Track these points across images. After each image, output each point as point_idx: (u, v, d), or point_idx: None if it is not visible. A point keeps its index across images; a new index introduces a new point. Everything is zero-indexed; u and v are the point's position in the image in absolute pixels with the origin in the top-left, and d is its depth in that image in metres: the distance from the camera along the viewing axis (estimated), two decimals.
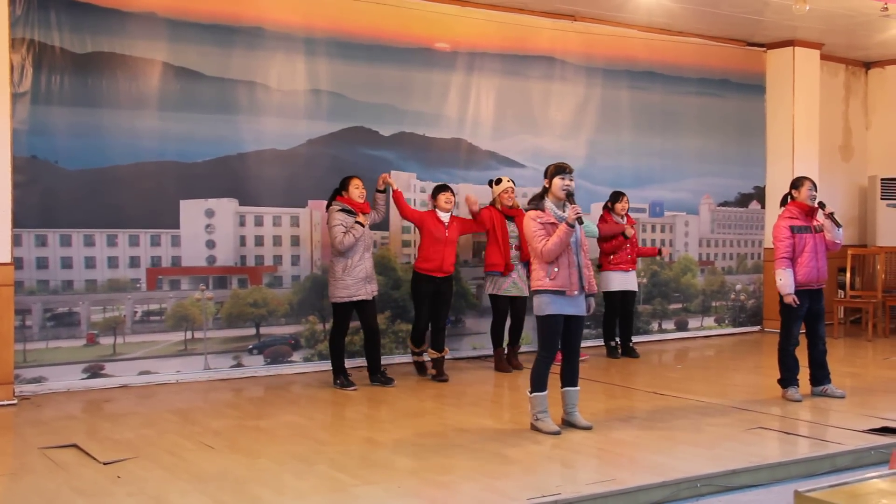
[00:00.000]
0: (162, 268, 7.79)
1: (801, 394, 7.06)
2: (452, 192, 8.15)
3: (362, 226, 7.46)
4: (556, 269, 5.85)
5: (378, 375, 7.71)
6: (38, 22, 7.24)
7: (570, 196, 5.96)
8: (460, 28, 9.18)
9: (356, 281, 7.47)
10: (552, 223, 5.86)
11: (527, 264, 8.35)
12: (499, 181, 8.45)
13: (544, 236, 5.83)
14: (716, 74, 11.01)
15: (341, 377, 7.58)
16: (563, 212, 5.92)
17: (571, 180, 5.98)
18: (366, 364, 7.85)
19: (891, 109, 12.35)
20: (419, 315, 8.08)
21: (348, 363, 7.88)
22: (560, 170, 5.96)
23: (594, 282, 6.14)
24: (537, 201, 5.99)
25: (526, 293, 8.40)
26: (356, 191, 7.55)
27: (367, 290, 7.54)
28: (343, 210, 7.47)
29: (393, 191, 7.87)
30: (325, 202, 8.31)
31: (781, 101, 11.28)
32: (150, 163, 7.72)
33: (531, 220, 5.90)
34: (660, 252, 9.50)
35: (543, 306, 5.90)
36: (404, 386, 7.70)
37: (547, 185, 5.99)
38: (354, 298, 7.49)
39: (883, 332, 10.90)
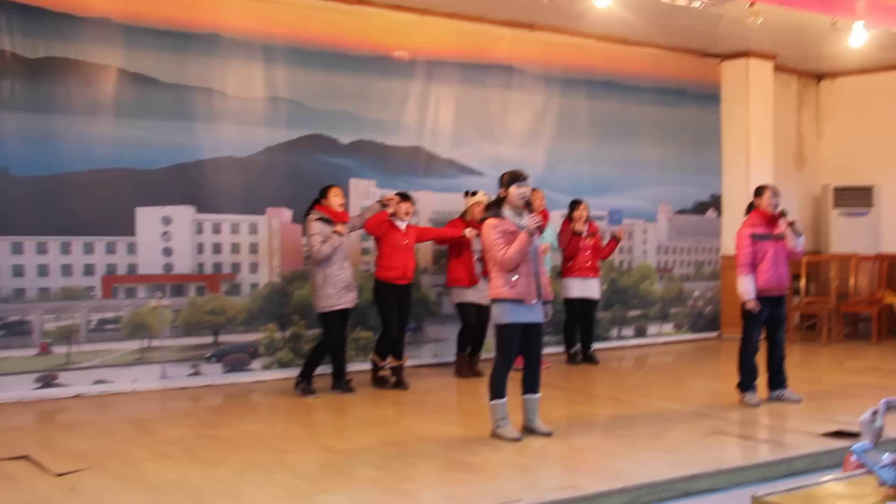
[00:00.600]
0: (118, 275, 7.67)
1: (759, 398, 7.13)
2: (413, 202, 8.14)
3: (340, 235, 7.42)
4: (515, 278, 5.85)
5: (341, 383, 7.65)
6: None
7: (527, 204, 5.97)
8: (419, 36, 9.18)
9: (337, 290, 7.44)
10: (511, 231, 5.86)
11: (488, 279, 8.38)
12: (474, 193, 8.45)
13: (504, 245, 5.83)
14: (672, 84, 11.12)
15: (305, 383, 7.51)
16: (521, 219, 5.93)
17: (528, 187, 5.99)
18: (330, 371, 7.76)
19: (842, 120, 12.57)
20: (389, 323, 7.96)
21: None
22: (516, 178, 5.96)
23: (550, 289, 6.16)
24: (495, 209, 5.98)
25: (488, 302, 8.39)
26: (336, 199, 7.53)
27: (347, 299, 7.53)
28: (321, 219, 7.42)
29: (385, 209, 7.84)
30: (284, 209, 8.31)
31: (736, 111, 11.43)
32: (106, 169, 7.60)
33: (490, 229, 5.89)
34: (618, 238, 9.41)
35: (503, 315, 5.90)
36: (364, 394, 7.66)
37: (503, 194, 5.98)
38: (337, 307, 7.46)
39: (837, 337, 11.06)
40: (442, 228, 8.52)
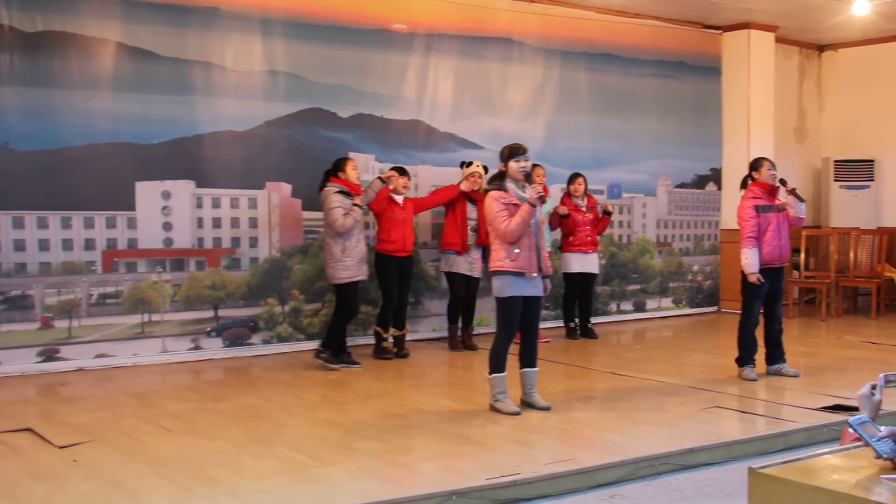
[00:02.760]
0: (118, 250, 7.69)
1: (757, 373, 7.16)
2: (409, 176, 8.19)
3: (360, 208, 7.48)
4: (517, 251, 5.87)
5: (344, 356, 7.69)
6: None
7: (527, 177, 5.98)
8: (418, 9, 9.13)
9: (355, 261, 7.52)
10: (514, 203, 5.88)
11: (485, 248, 8.43)
12: (469, 164, 8.48)
13: (507, 217, 5.85)
14: (672, 57, 11.07)
15: (328, 353, 7.57)
16: (524, 192, 5.94)
17: (527, 161, 5.99)
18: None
19: (844, 92, 12.52)
20: (389, 295, 8.06)
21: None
22: (515, 152, 5.97)
23: (550, 263, 6.18)
24: (498, 181, 5.99)
25: (478, 274, 8.48)
26: (353, 172, 7.58)
27: (363, 271, 7.61)
28: (340, 192, 7.43)
29: (385, 185, 7.88)
30: (283, 183, 8.31)
31: (737, 84, 11.38)
32: (105, 144, 7.59)
33: (493, 201, 5.90)
34: (609, 212, 9.41)
35: (504, 288, 5.92)
36: (364, 367, 7.69)
37: (503, 168, 5.99)
38: (355, 278, 7.53)
39: (836, 312, 11.09)
40: (436, 195, 8.53)
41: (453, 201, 8.40)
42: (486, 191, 6.07)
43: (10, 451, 5.12)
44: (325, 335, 7.75)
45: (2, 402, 6.39)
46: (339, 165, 7.60)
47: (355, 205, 7.45)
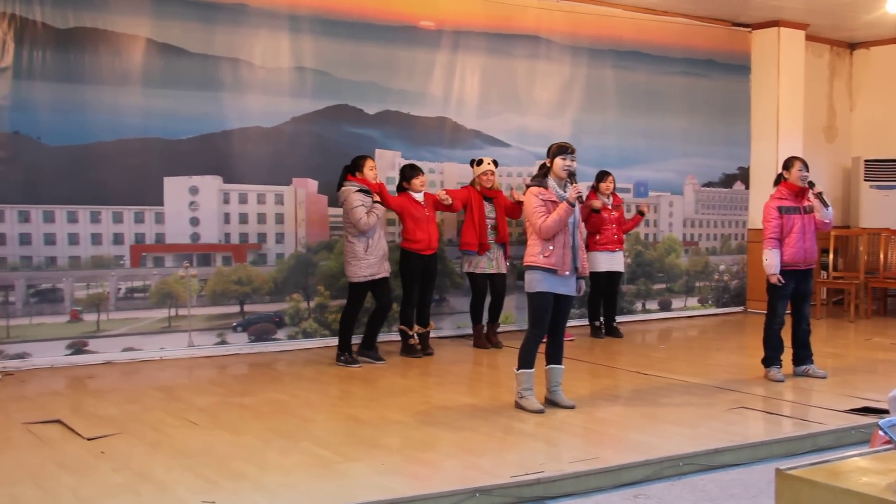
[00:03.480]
0: (146, 245, 7.75)
1: (784, 374, 7.11)
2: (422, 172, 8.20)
3: (382, 205, 7.51)
4: (551, 248, 5.87)
5: (370, 352, 7.71)
6: None
7: (571, 176, 5.97)
8: (445, 6, 9.14)
9: (378, 259, 7.53)
10: (553, 201, 5.88)
11: (503, 245, 8.44)
12: (480, 162, 8.48)
13: (544, 213, 5.85)
14: (701, 55, 11.01)
15: (346, 354, 7.61)
16: (565, 191, 5.94)
17: (574, 160, 6.00)
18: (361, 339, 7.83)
19: (875, 90, 12.39)
20: (410, 293, 8.09)
21: (333, 340, 7.91)
22: (562, 150, 5.97)
23: (587, 265, 6.16)
24: (540, 178, 6.00)
25: (503, 270, 8.49)
26: (371, 172, 7.57)
27: (385, 268, 7.62)
28: (360, 190, 7.46)
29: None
30: (309, 180, 8.34)
31: (766, 82, 11.29)
32: (134, 139, 7.66)
33: (533, 196, 5.91)
34: (643, 213, 9.41)
35: (534, 283, 5.92)
36: (388, 364, 7.71)
37: (549, 164, 5.99)
38: (377, 277, 7.55)
39: (865, 313, 10.98)
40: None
41: (469, 201, 8.41)
42: (528, 186, 6.08)
43: (41, 442, 5.18)
44: (339, 338, 7.75)
45: (32, 393, 6.48)
46: (357, 164, 7.60)
47: (376, 202, 7.46)
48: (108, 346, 7.58)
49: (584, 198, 5.92)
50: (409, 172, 8.09)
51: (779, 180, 7.20)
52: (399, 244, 8.19)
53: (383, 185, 7.87)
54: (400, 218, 8.12)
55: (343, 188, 7.54)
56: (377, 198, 7.51)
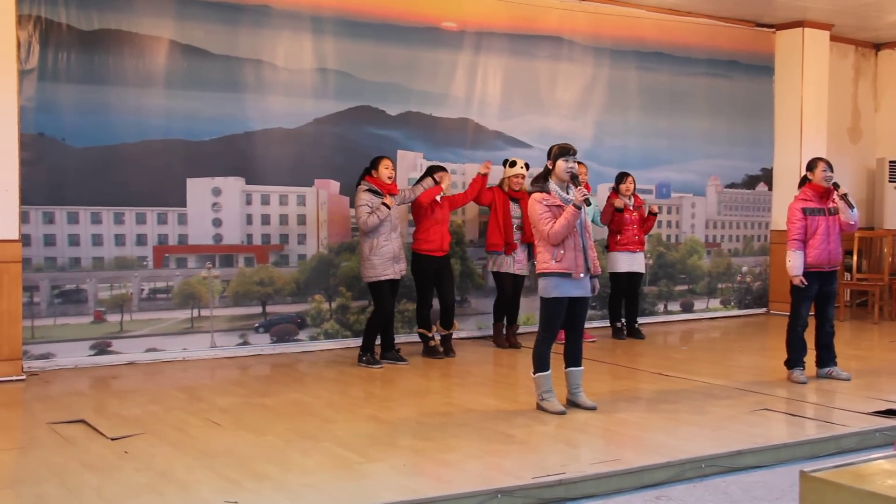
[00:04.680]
0: (169, 246, 7.80)
1: (807, 376, 7.06)
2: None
3: (388, 207, 7.46)
4: (561, 252, 5.84)
5: (391, 353, 7.73)
6: None
7: (574, 178, 5.93)
8: (468, 7, 9.14)
9: (383, 261, 7.50)
10: (558, 205, 5.84)
11: (530, 245, 8.44)
12: (513, 164, 8.48)
13: (550, 219, 5.81)
14: (724, 55, 10.95)
15: (368, 355, 7.62)
16: (568, 193, 5.91)
17: (575, 162, 5.96)
18: (379, 342, 7.83)
19: None
20: (424, 295, 8.10)
21: (355, 341, 7.94)
22: (564, 151, 5.92)
23: (598, 263, 6.13)
24: (541, 183, 5.96)
25: (525, 272, 8.50)
26: (385, 171, 7.56)
27: (394, 270, 7.58)
28: (370, 190, 7.48)
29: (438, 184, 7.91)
30: (332, 181, 8.38)
31: (790, 83, 11.22)
32: (157, 141, 7.72)
33: (537, 203, 5.87)
34: (654, 213, 9.32)
35: (549, 289, 5.90)
36: (410, 365, 7.72)
37: (550, 167, 5.95)
38: (382, 278, 7.52)
39: (889, 315, 10.88)
40: (468, 190, 8.49)
41: (494, 201, 8.40)
42: (530, 192, 6.04)
43: (65, 442, 5.22)
44: (363, 338, 7.78)
45: (56, 393, 6.53)
46: (374, 164, 7.62)
47: (384, 204, 7.45)
48: (131, 347, 7.64)
49: (590, 200, 5.86)
50: (434, 172, 8.10)
51: (803, 182, 7.16)
52: (412, 247, 8.17)
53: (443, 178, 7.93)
54: (416, 217, 8.09)
55: (357, 187, 7.57)
56: (388, 199, 7.48)
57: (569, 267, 5.85)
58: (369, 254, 7.50)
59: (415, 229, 8.15)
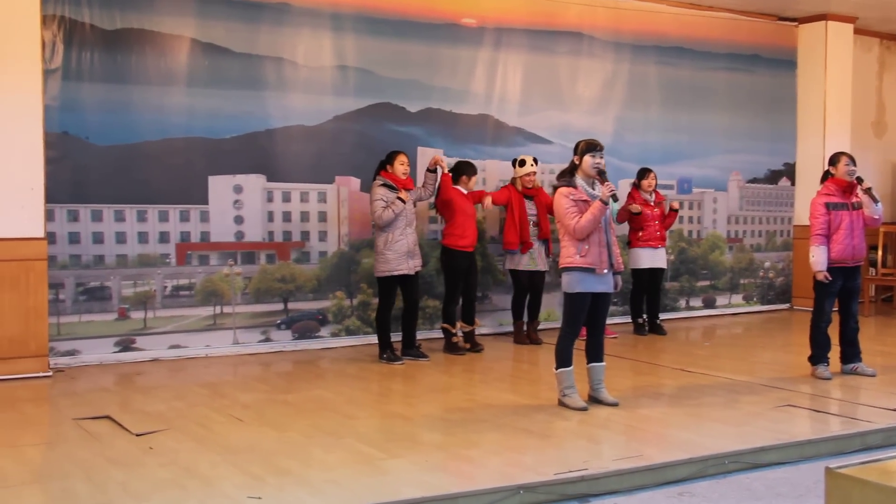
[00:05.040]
0: (191, 243, 7.85)
1: (831, 372, 7.01)
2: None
3: (403, 202, 7.46)
4: (586, 247, 5.83)
5: (412, 350, 7.74)
6: None
7: (601, 173, 5.91)
8: (487, 3, 9.13)
9: (397, 255, 7.50)
10: (584, 200, 5.83)
11: (545, 241, 8.44)
12: (522, 163, 8.48)
13: (577, 213, 5.80)
14: (746, 50, 10.88)
15: (388, 351, 7.64)
16: (594, 189, 5.90)
17: (602, 158, 5.94)
18: (400, 339, 7.85)
19: None
20: (455, 291, 8.10)
21: (373, 338, 7.95)
22: (591, 147, 5.91)
23: (621, 259, 6.12)
24: (568, 177, 5.95)
25: (543, 268, 8.50)
26: (401, 167, 7.57)
27: (408, 265, 7.57)
28: (385, 185, 7.49)
29: (443, 173, 7.88)
30: (352, 178, 8.40)
31: (813, 77, 11.13)
32: (179, 139, 7.76)
33: (563, 197, 5.86)
34: (675, 209, 9.29)
35: (573, 283, 5.88)
36: (431, 361, 7.73)
37: (577, 162, 5.94)
38: (395, 273, 7.53)
39: None
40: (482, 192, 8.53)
41: (510, 200, 8.42)
42: (556, 187, 6.03)
43: (91, 437, 5.27)
44: (378, 336, 7.79)
45: (82, 389, 6.59)
46: (389, 158, 7.62)
47: (399, 198, 7.45)
48: (155, 344, 7.69)
49: (617, 196, 5.86)
50: (468, 169, 8.13)
51: (826, 177, 7.10)
52: (442, 242, 8.18)
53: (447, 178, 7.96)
54: (448, 212, 8.09)
55: (373, 182, 7.59)
56: (403, 194, 7.48)
57: (593, 262, 5.84)
58: (383, 248, 7.51)
59: (447, 225, 8.14)
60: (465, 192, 8.12)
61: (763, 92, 11.03)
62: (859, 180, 6.95)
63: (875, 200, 6.93)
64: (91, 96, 7.40)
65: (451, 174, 8.08)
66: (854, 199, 6.97)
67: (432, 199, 8.15)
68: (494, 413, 5.91)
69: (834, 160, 7.04)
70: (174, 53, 7.72)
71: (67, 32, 7.29)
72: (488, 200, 8.29)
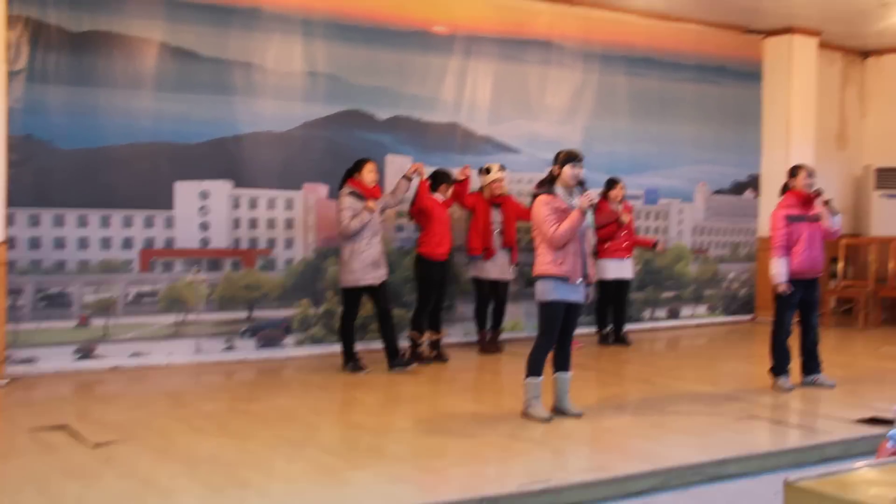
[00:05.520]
0: (155, 249, 7.77)
1: (792, 383, 7.08)
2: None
3: (371, 211, 7.42)
4: (563, 256, 5.86)
5: (397, 360, 7.62)
6: (35, 0, 7.18)
7: (580, 184, 5.95)
8: (458, 11, 9.14)
9: (363, 266, 7.43)
10: (563, 209, 5.87)
11: (509, 250, 8.45)
12: (488, 171, 8.50)
13: (555, 221, 5.83)
14: (713, 61, 10.98)
15: (351, 362, 7.58)
16: (572, 198, 5.93)
17: (582, 168, 5.98)
18: (383, 347, 7.72)
19: (887, 98, 12.34)
20: (428, 300, 8.08)
21: (338, 347, 7.90)
22: (571, 157, 5.95)
23: (594, 271, 6.14)
24: (547, 186, 5.98)
25: (508, 277, 8.52)
26: (369, 175, 7.51)
27: (374, 276, 7.48)
28: (353, 194, 7.43)
29: (420, 180, 7.86)
30: (320, 185, 8.37)
31: (778, 89, 11.26)
32: (145, 143, 7.68)
33: (543, 205, 5.89)
34: (655, 245, 9.44)
35: (547, 292, 5.90)
36: (392, 370, 7.66)
37: (556, 172, 5.98)
38: (360, 284, 7.46)
39: (874, 322, 10.92)
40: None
41: (475, 206, 8.43)
42: (535, 195, 6.06)
43: (46, 448, 5.18)
44: (341, 346, 7.72)
45: (38, 399, 6.50)
46: (357, 166, 7.56)
47: (367, 208, 7.40)
48: (116, 352, 7.59)
49: (596, 205, 5.90)
50: (445, 178, 8.14)
51: (785, 189, 7.18)
52: (417, 250, 8.14)
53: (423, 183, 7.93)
54: (425, 222, 8.06)
55: (340, 190, 7.54)
56: (371, 203, 7.42)
57: (568, 271, 5.86)
58: (349, 258, 7.44)
59: (423, 233, 8.10)
60: (443, 200, 8.12)
61: (729, 103, 11.14)
62: (818, 193, 7.04)
63: (834, 213, 7.02)
64: (56, 99, 7.31)
65: (429, 182, 8.06)
66: (813, 212, 7.05)
67: (403, 207, 8.13)
68: (459, 423, 5.90)
69: (793, 172, 7.12)
70: (142, 57, 7.64)
71: (33, 34, 7.19)
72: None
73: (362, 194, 7.44)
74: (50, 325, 7.35)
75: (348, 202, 7.41)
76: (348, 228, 7.37)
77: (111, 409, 6.14)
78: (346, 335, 7.64)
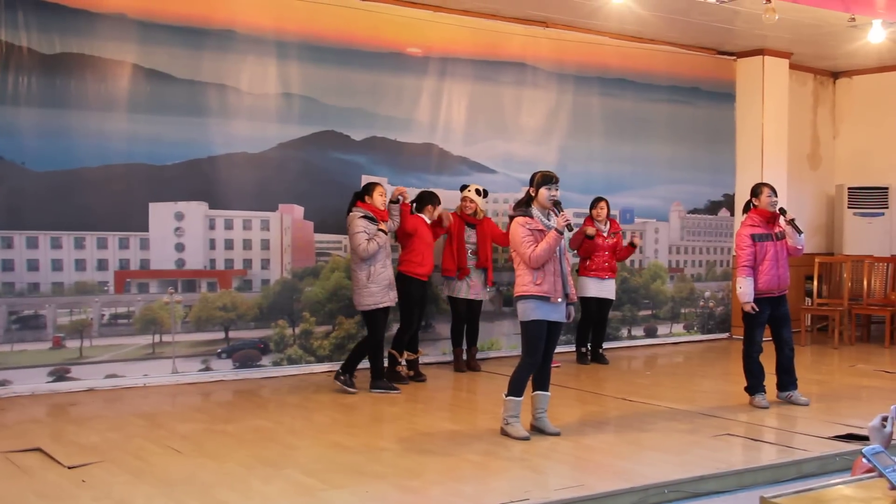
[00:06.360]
0: (130, 271, 7.71)
1: (768, 400, 7.12)
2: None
3: (385, 233, 7.44)
4: (542, 276, 5.88)
5: (380, 382, 7.59)
6: (6, 22, 7.15)
7: (556, 205, 5.99)
8: (432, 33, 9.18)
9: (381, 288, 7.44)
10: (540, 230, 5.91)
11: (484, 271, 8.47)
12: (464, 188, 8.55)
13: (532, 242, 5.87)
14: (686, 82, 11.09)
15: (347, 376, 7.52)
16: (549, 219, 5.96)
17: (558, 190, 6.02)
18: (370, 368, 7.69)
19: (858, 119, 12.51)
20: (411, 319, 8.07)
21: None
22: (547, 179, 6.00)
23: (575, 291, 6.17)
24: (524, 208, 6.01)
25: (481, 297, 8.54)
26: (380, 198, 7.52)
27: (390, 297, 7.52)
28: (366, 217, 7.42)
29: (402, 203, 7.87)
30: (296, 206, 8.34)
31: (751, 110, 11.39)
32: (119, 165, 7.64)
33: (519, 227, 5.92)
34: (633, 244, 9.39)
35: (528, 311, 5.92)
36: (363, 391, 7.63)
37: (533, 194, 6.01)
38: (381, 305, 7.46)
39: (849, 339, 11.01)
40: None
41: (450, 227, 8.45)
42: (512, 217, 6.10)
43: (19, 471, 5.12)
44: (347, 359, 7.68)
45: (12, 421, 6.41)
46: (367, 189, 7.57)
47: (380, 230, 7.42)
48: (90, 373, 7.52)
49: (572, 226, 5.94)
50: (431, 199, 8.18)
51: (748, 208, 7.24)
52: (399, 268, 8.11)
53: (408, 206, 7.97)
54: (406, 239, 8.06)
55: (350, 214, 7.52)
56: (383, 226, 7.46)
57: (548, 291, 5.89)
58: (367, 281, 7.41)
59: (405, 251, 8.10)
60: (429, 221, 8.13)
61: (703, 124, 11.25)
62: (782, 212, 7.11)
63: (799, 231, 7.09)
64: (28, 121, 7.26)
65: (411, 204, 8.06)
66: (778, 230, 7.12)
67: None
68: (436, 443, 5.89)
69: (756, 191, 7.19)
70: (115, 79, 7.61)
71: (4, 56, 7.15)
72: (446, 214, 8.31)
73: (374, 217, 7.44)
74: (24, 347, 7.28)
75: (362, 225, 7.38)
76: (367, 251, 7.34)
77: (86, 431, 6.07)
78: (362, 355, 7.59)
